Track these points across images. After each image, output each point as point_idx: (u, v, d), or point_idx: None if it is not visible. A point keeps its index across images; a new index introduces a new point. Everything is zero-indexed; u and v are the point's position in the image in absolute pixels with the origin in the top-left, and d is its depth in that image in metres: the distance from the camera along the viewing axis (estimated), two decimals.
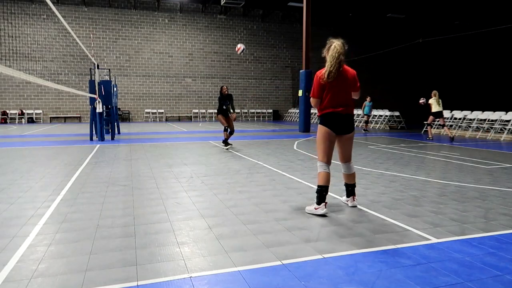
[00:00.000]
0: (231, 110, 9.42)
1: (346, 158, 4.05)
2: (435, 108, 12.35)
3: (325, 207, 3.80)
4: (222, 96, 9.43)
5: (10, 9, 21.29)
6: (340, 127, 3.88)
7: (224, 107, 9.41)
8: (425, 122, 12.55)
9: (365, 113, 16.25)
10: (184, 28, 25.37)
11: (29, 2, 21.82)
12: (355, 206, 4.13)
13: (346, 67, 3.95)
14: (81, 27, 23.10)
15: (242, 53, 7.24)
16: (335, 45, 3.88)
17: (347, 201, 4.19)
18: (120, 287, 2.33)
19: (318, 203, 3.80)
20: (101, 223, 3.54)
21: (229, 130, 9.47)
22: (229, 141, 9.82)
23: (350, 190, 4.14)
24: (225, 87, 9.52)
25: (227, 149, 9.35)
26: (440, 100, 12.31)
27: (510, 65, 26.05)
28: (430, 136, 12.66)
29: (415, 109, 13.36)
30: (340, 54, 3.84)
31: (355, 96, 4.06)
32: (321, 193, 3.79)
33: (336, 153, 4.03)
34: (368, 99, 15.96)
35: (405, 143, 11.04)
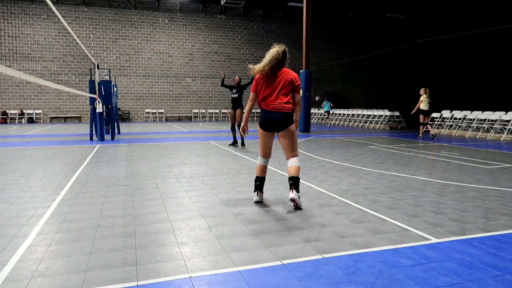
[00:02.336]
0: (245, 86, 9.28)
1: (288, 153, 4.13)
2: (424, 106, 12.32)
3: (257, 195, 4.22)
4: (233, 84, 9.44)
5: (10, 9, 21.29)
6: (273, 124, 4.09)
7: (232, 96, 9.36)
8: (425, 122, 12.67)
9: (325, 110, 19.00)
10: (184, 28, 25.37)
11: (29, 2, 21.83)
12: (294, 200, 3.92)
13: (285, 69, 4.16)
14: (81, 27, 23.11)
15: None
16: (275, 49, 4.07)
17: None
18: (120, 287, 2.33)
19: (254, 190, 4.28)
20: (101, 223, 3.54)
21: (234, 127, 9.52)
22: (223, 141, 9.90)
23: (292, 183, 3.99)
24: (237, 77, 9.45)
25: (243, 147, 9.45)
26: (428, 96, 12.33)
27: (510, 65, 26.04)
28: (420, 135, 12.85)
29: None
30: (278, 55, 4.03)
31: (296, 98, 4.18)
32: (255, 183, 4.26)
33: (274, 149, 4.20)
34: (325, 98, 19.31)
35: (405, 143, 11.04)
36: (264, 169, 4.21)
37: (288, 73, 4.12)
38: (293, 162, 4.07)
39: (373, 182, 5.45)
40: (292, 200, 3.93)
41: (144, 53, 24.63)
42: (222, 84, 9.80)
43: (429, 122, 12.82)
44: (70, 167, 6.66)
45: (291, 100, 4.11)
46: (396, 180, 5.60)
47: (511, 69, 26.17)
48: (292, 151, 4.10)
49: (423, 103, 12.32)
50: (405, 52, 28.30)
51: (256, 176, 4.24)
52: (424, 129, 12.84)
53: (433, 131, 12.59)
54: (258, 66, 4.06)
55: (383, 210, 4.01)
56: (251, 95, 4.21)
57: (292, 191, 3.93)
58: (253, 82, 4.25)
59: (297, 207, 4.00)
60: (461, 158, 7.97)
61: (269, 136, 4.16)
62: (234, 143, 9.86)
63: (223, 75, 9.73)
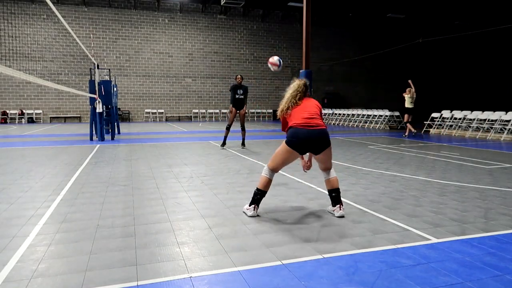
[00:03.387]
0: (245, 101, 9.12)
1: (327, 167, 3.86)
2: (408, 104, 12.87)
3: (254, 210, 3.77)
4: (235, 84, 9.08)
5: (10, 9, 21.29)
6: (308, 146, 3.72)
7: (236, 96, 9.04)
8: (408, 121, 13.31)
9: None
10: (184, 28, 25.36)
11: (29, 2, 21.83)
12: (343, 216, 3.77)
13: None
14: (81, 27, 23.10)
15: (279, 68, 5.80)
16: (295, 84, 3.87)
17: (333, 210, 3.83)
18: (120, 287, 2.33)
19: (250, 204, 3.83)
20: (101, 223, 3.54)
21: (232, 128, 9.42)
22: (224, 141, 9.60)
23: (334, 197, 3.81)
24: (239, 76, 9.14)
25: (243, 147, 9.39)
26: (415, 95, 12.83)
27: (510, 65, 26.04)
28: (406, 134, 13.31)
29: (415, 109, 13.37)
30: (300, 91, 3.83)
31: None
32: (255, 196, 3.80)
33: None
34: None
35: (405, 143, 11.04)
36: (270, 183, 3.81)
37: (312, 100, 3.90)
38: (333, 173, 3.85)
39: (373, 182, 5.45)
40: (342, 216, 3.76)
41: (144, 53, 24.63)
42: (231, 90, 9.34)
43: (409, 121, 13.33)
44: (70, 167, 6.66)
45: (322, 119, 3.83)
46: (396, 180, 5.59)
47: (511, 69, 26.17)
48: (330, 162, 3.85)
49: (406, 102, 12.92)
50: (405, 52, 28.29)
51: (259, 189, 3.78)
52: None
53: (410, 128, 13.26)
54: (283, 105, 3.82)
55: (383, 210, 4.01)
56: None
57: (340, 207, 3.77)
58: (282, 121, 3.95)
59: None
60: (461, 158, 7.97)
61: (296, 155, 3.76)
62: (224, 144, 9.50)
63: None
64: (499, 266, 2.65)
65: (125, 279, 2.42)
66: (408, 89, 12.83)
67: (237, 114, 9.26)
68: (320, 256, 2.79)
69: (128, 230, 3.34)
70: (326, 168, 3.84)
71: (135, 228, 3.40)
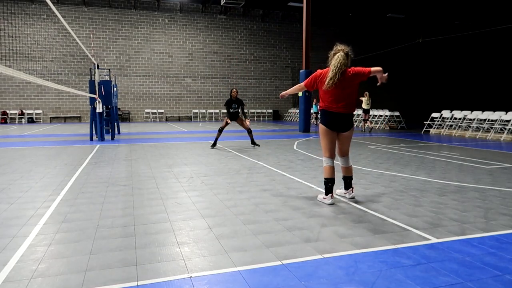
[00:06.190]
0: (244, 115, 9.42)
1: (344, 153, 4.42)
2: (365, 105, 15.44)
3: (331, 198, 4.22)
4: (230, 99, 9.36)
5: (10, 9, 21.29)
6: (338, 125, 4.21)
7: (231, 110, 9.35)
8: (365, 119, 15.86)
9: (313, 111, 19.83)
10: (184, 28, 25.37)
11: (29, 2, 21.83)
12: (354, 198, 4.42)
13: (347, 70, 4.14)
14: (81, 27, 23.11)
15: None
16: (338, 56, 4.08)
17: (345, 193, 4.46)
18: (120, 287, 2.33)
19: (326, 193, 4.28)
20: (101, 223, 3.54)
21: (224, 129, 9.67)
22: (223, 141, 9.83)
23: (348, 183, 4.43)
24: (234, 90, 9.43)
25: (255, 146, 9.74)
26: (370, 100, 15.46)
27: (510, 65, 26.04)
28: (363, 130, 15.84)
29: (415, 109, 13.43)
30: (342, 65, 4.05)
31: (365, 71, 4.14)
32: (327, 185, 4.24)
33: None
34: (315, 101, 19.73)
35: (405, 143, 11.04)
36: (333, 170, 4.26)
37: (348, 71, 4.10)
38: (350, 162, 4.45)
39: (373, 182, 5.45)
40: (353, 197, 4.43)
41: (144, 53, 24.63)
42: (227, 104, 9.50)
43: (368, 119, 15.90)
44: (70, 167, 6.66)
45: (353, 101, 4.22)
46: (396, 180, 5.59)
47: (511, 69, 26.17)
48: (348, 149, 4.43)
49: (364, 104, 15.35)
50: (405, 52, 28.31)
51: (327, 178, 4.22)
52: (366, 125, 15.95)
53: (370, 125, 16.13)
54: (326, 83, 4.08)
55: (383, 210, 4.01)
56: (302, 87, 4.46)
57: (352, 190, 4.44)
58: (310, 78, 4.33)
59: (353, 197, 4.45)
60: (461, 158, 7.97)
61: (334, 137, 4.28)
62: (214, 144, 9.69)
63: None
64: (499, 266, 2.64)
65: (125, 279, 2.42)
66: (366, 92, 15.27)
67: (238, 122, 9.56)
68: (320, 256, 2.79)
69: (128, 230, 3.34)
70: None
71: (135, 228, 3.40)
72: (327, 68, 4.19)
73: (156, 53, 24.88)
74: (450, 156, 8.21)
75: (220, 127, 9.63)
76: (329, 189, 4.21)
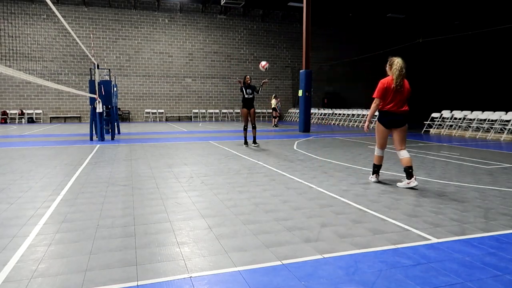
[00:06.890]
0: (257, 91, 9.44)
1: (402, 145, 5.11)
2: (274, 105, 18.79)
3: (376, 177, 5.40)
4: (244, 84, 9.46)
5: (10, 9, 21.29)
6: (396, 123, 5.06)
7: (245, 96, 9.38)
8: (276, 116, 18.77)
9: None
10: (184, 28, 25.37)
11: (29, 2, 21.83)
12: (416, 185, 4.96)
13: (404, 80, 5.04)
14: (81, 27, 23.11)
15: (266, 69, 9.82)
16: (397, 61, 4.94)
17: (409, 183, 4.97)
18: (120, 287, 2.34)
19: (372, 174, 5.48)
20: (101, 223, 3.55)
21: (248, 126, 9.67)
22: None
23: (410, 172, 4.96)
24: (248, 76, 9.55)
25: (256, 146, 9.72)
26: (279, 102, 19.38)
27: (510, 65, 26.04)
28: (273, 125, 18.75)
29: (415, 109, 13.43)
30: (402, 68, 4.92)
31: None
32: (374, 168, 5.41)
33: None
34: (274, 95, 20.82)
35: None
36: (382, 159, 5.37)
37: (406, 84, 5.05)
38: (407, 153, 5.06)
39: (373, 182, 5.45)
40: (416, 185, 4.98)
41: (144, 53, 24.63)
42: (242, 90, 9.57)
43: (276, 116, 18.88)
44: (70, 167, 6.66)
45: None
46: (396, 180, 5.59)
47: (511, 69, 26.17)
48: (404, 143, 5.13)
49: (272, 104, 18.86)
50: (405, 52, 28.19)
51: (376, 164, 5.37)
52: (276, 121, 18.88)
53: (275, 122, 18.95)
54: (394, 84, 4.94)
55: (383, 210, 4.01)
56: (376, 100, 5.08)
57: (415, 178, 4.98)
58: (378, 89, 5.04)
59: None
60: (461, 158, 7.97)
61: (388, 132, 5.19)
62: (246, 143, 9.98)
63: (239, 83, 9.64)
64: (499, 266, 2.65)
65: (125, 279, 2.42)
66: (274, 95, 19.12)
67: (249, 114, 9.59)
68: (320, 256, 2.79)
69: (128, 230, 3.34)
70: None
71: (135, 228, 3.40)
72: (387, 77, 5.02)
73: (156, 53, 24.88)
74: (450, 156, 8.21)
75: (244, 126, 9.73)
76: (375, 172, 5.36)
